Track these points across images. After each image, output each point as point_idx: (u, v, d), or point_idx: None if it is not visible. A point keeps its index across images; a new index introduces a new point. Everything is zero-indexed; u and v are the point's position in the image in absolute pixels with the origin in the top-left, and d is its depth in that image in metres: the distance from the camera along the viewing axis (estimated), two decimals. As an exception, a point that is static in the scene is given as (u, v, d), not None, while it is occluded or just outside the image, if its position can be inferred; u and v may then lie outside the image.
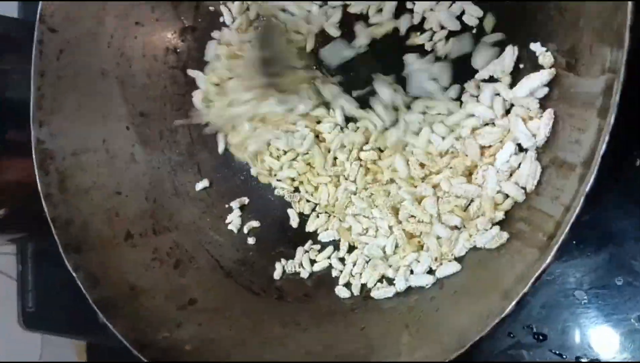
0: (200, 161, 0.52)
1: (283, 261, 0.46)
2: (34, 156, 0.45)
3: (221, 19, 0.51)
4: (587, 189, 0.27)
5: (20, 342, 0.77)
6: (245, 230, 0.49)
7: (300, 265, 0.45)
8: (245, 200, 0.50)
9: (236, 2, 0.51)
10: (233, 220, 0.49)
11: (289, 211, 0.48)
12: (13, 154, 0.56)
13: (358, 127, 0.46)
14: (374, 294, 0.41)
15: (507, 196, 0.37)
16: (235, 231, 0.49)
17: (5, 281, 0.76)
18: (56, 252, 0.44)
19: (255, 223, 0.49)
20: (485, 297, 0.31)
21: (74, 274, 0.43)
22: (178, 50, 0.52)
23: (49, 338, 0.80)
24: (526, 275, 0.27)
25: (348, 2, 0.47)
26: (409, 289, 0.39)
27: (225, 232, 0.49)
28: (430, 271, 0.39)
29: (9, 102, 0.55)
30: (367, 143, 0.45)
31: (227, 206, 0.50)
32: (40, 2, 0.46)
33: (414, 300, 0.37)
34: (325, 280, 0.44)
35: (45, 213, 0.44)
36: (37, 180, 0.45)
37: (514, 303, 0.27)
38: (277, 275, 0.46)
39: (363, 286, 0.42)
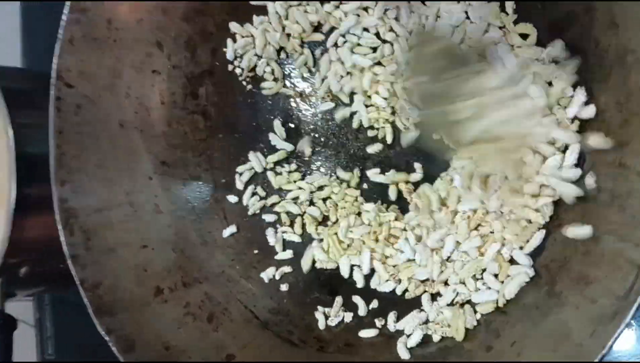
0: (225, 207, 0.50)
1: (320, 308, 0.45)
2: (57, 216, 0.44)
3: (235, 62, 0.51)
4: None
5: (42, 389, 0.75)
6: (278, 277, 0.47)
7: (344, 310, 0.44)
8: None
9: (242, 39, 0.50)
10: (267, 269, 0.47)
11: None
12: (31, 211, 0.54)
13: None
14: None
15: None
16: (267, 280, 0.47)
17: (23, 328, 0.74)
18: (75, 299, 0.42)
19: (287, 269, 0.48)
20: (553, 350, 0.30)
21: (106, 338, 0.41)
22: (197, 95, 0.51)
23: (70, 386, 0.78)
24: (602, 332, 0.26)
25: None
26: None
27: (256, 280, 0.48)
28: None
29: (23, 157, 0.54)
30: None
31: (256, 252, 0.49)
32: (55, 58, 0.45)
33: (467, 352, 0.36)
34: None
35: (64, 266, 0.43)
36: (62, 240, 0.44)
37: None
38: (321, 325, 0.44)
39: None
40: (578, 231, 0.35)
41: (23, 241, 0.55)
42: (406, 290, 0.42)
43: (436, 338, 0.40)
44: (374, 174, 0.46)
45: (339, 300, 0.45)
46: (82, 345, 0.64)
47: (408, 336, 0.41)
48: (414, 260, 0.42)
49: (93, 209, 0.45)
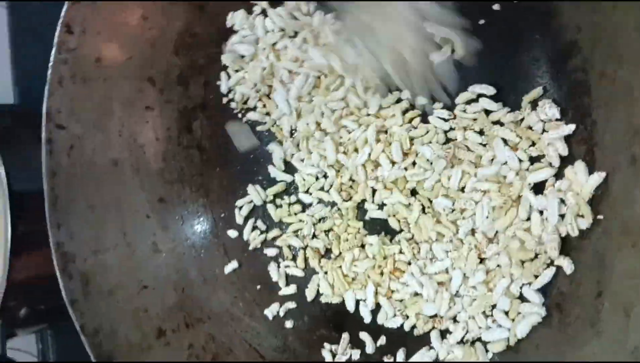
0: (225, 242, 0.49)
1: (327, 346, 0.44)
2: (54, 261, 0.43)
3: (230, 95, 0.49)
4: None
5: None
6: (282, 313, 0.46)
7: (351, 347, 0.43)
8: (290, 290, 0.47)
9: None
10: (270, 305, 0.46)
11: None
12: (26, 250, 0.54)
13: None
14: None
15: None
16: (271, 317, 0.46)
17: (26, 360, 0.73)
18: (76, 330, 0.41)
19: (291, 304, 0.46)
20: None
21: (109, 387, 0.40)
22: (192, 129, 0.49)
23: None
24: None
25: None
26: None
27: (260, 317, 0.46)
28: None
29: (16, 196, 0.53)
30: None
31: (258, 287, 0.48)
32: (45, 99, 0.44)
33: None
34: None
35: (64, 302, 0.42)
36: (61, 286, 0.43)
37: None
38: (328, 364, 0.43)
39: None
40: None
41: (20, 281, 0.54)
42: (414, 327, 0.41)
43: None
44: (371, 210, 0.44)
45: (345, 336, 0.44)
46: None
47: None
48: (421, 294, 0.41)
49: (89, 251, 0.44)
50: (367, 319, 0.43)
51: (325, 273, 0.45)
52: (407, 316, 0.42)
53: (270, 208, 0.48)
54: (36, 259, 0.54)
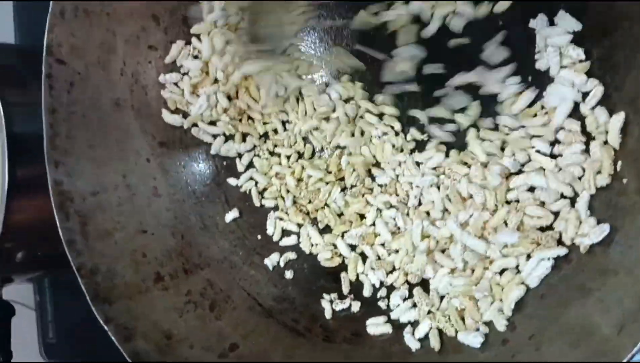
0: (227, 190, 0.48)
1: (326, 296, 0.43)
2: (52, 200, 0.42)
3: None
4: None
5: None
6: (282, 264, 0.46)
7: (352, 298, 0.42)
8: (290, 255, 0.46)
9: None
10: (270, 255, 0.46)
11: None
12: (24, 194, 0.52)
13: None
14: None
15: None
16: (271, 267, 0.46)
17: (24, 312, 0.73)
18: (75, 282, 0.41)
19: (292, 255, 0.46)
20: (575, 346, 0.28)
21: (105, 327, 0.40)
22: (196, 72, 0.48)
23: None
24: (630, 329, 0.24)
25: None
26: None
27: (260, 266, 0.46)
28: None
29: (15, 138, 0.52)
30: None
31: (259, 237, 0.47)
32: (46, 33, 0.42)
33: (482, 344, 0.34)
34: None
35: (62, 250, 0.41)
36: (58, 225, 0.42)
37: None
38: (327, 314, 0.43)
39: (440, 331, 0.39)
40: None
41: (17, 224, 0.53)
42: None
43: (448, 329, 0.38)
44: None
45: (345, 276, 0.43)
46: (83, 329, 0.63)
47: (413, 325, 0.40)
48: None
49: (88, 192, 0.43)
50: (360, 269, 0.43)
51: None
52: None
53: (255, 160, 0.47)
54: (35, 203, 0.53)
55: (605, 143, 0.34)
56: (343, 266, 0.44)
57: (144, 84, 0.46)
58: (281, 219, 0.46)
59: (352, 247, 0.44)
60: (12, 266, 0.54)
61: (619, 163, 0.33)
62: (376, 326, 0.41)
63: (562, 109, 0.35)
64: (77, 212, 0.43)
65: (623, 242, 0.31)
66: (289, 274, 0.45)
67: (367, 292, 0.42)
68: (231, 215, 0.47)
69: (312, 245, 0.45)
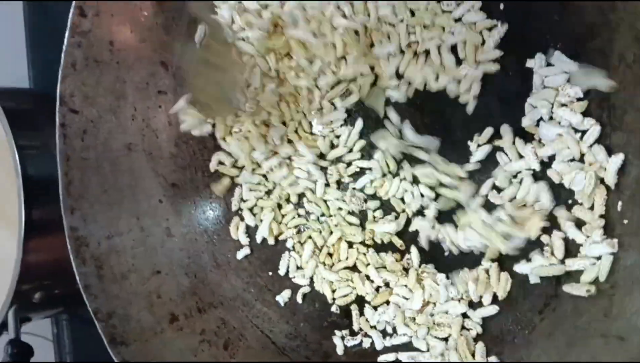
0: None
1: (338, 333, 0.44)
2: (68, 246, 0.43)
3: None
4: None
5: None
6: (299, 299, 0.46)
7: (364, 334, 0.43)
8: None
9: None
10: (282, 292, 0.46)
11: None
12: (40, 234, 0.54)
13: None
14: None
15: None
16: (282, 303, 0.46)
17: (42, 343, 0.74)
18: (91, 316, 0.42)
19: (306, 289, 0.46)
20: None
21: (122, 370, 0.41)
22: (204, 114, 0.49)
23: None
24: None
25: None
26: None
27: (272, 303, 0.47)
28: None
29: (29, 180, 0.53)
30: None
31: (270, 274, 0.48)
32: (59, 83, 0.43)
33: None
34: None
35: (78, 287, 0.42)
36: (75, 271, 0.43)
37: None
38: (339, 351, 0.43)
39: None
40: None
41: (34, 265, 0.54)
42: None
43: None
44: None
45: (355, 313, 0.44)
46: (100, 361, 0.64)
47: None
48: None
49: (103, 236, 0.45)
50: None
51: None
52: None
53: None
54: (51, 243, 0.55)
55: (602, 181, 0.35)
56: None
57: (154, 128, 0.47)
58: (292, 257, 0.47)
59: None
60: (31, 306, 0.55)
61: (619, 203, 0.34)
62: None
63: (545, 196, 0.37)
64: (92, 256, 0.44)
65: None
66: (300, 310, 0.46)
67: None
68: (242, 252, 0.48)
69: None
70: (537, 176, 0.38)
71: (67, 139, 0.44)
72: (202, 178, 0.49)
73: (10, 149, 0.53)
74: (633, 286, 0.32)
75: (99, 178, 0.45)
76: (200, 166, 0.49)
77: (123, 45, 0.45)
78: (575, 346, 0.33)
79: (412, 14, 0.41)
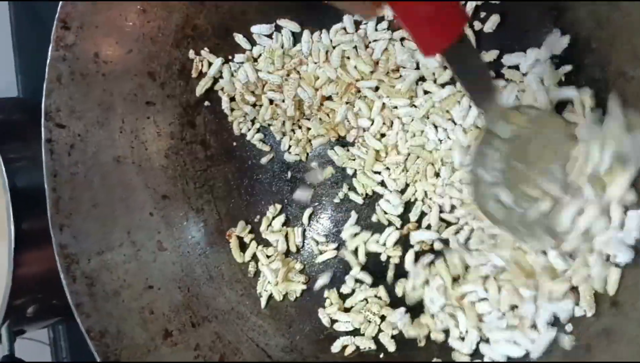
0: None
1: (335, 343, 0.43)
2: (58, 264, 0.42)
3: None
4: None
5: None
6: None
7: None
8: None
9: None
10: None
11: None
12: (31, 246, 0.53)
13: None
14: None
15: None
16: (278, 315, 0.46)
17: (39, 348, 0.74)
18: None
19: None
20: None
21: (116, 387, 0.40)
22: (195, 124, 0.48)
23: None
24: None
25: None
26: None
27: (267, 316, 0.46)
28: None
29: (18, 192, 0.52)
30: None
31: (265, 285, 0.47)
32: (44, 98, 0.42)
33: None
34: None
35: None
36: (65, 288, 0.42)
37: None
38: (335, 348, 0.43)
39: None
40: None
41: (26, 277, 0.53)
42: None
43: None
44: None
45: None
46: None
47: None
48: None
49: (94, 252, 0.44)
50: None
51: None
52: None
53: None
54: (43, 254, 0.54)
55: None
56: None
57: (143, 139, 0.46)
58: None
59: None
60: (24, 320, 0.54)
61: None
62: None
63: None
64: (83, 274, 0.43)
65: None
66: (296, 323, 0.45)
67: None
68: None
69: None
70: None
71: (54, 155, 0.43)
72: (194, 189, 0.48)
73: (-3, 163, 0.52)
74: None
75: (88, 193, 0.44)
76: (192, 177, 0.48)
77: (109, 57, 0.44)
78: None
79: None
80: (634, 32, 0.30)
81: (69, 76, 0.43)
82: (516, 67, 0.38)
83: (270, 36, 0.46)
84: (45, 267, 0.54)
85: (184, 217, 0.48)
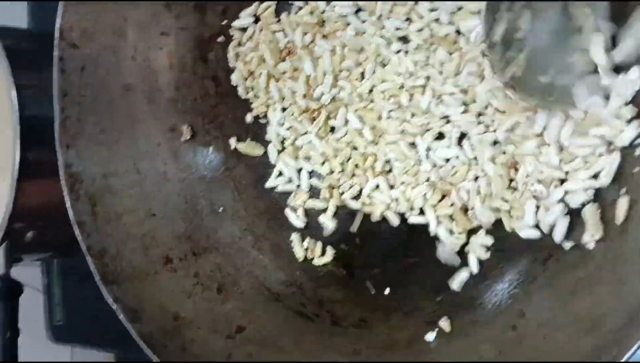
0: (236, 175, 0.48)
1: (334, 281, 0.44)
2: (62, 181, 0.42)
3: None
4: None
5: (50, 355, 0.75)
6: (305, 245, 0.46)
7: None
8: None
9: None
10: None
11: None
12: (35, 176, 0.53)
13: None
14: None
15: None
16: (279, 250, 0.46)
17: (31, 294, 0.74)
18: (83, 265, 0.41)
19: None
20: (585, 335, 0.28)
21: (113, 307, 0.40)
22: (207, 59, 0.48)
23: (79, 351, 0.78)
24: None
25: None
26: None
27: (267, 251, 0.46)
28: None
29: (26, 121, 0.52)
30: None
31: (267, 221, 0.47)
32: (59, 17, 0.42)
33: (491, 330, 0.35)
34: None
35: (71, 232, 0.42)
36: (68, 206, 0.42)
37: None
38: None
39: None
40: None
41: (28, 205, 0.53)
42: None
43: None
44: None
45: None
46: (90, 311, 0.64)
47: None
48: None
49: (99, 174, 0.44)
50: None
51: None
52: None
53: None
54: (46, 186, 0.54)
55: None
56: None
57: (154, 69, 0.46)
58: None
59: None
60: (22, 246, 0.54)
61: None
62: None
63: None
64: (87, 193, 0.43)
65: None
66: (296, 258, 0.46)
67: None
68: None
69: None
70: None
71: (65, 74, 0.43)
72: (203, 124, 0.48)
73: (7, 87, 0.52)
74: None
75: (96, 117, 0.44)
76: (201, 112, 0.48)
77: (124, -21, 0.44)
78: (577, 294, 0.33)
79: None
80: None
81: (83, -2, 0.43)
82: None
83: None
84: (47, 198, 0.54)
85: (191, 151, 0.48)
